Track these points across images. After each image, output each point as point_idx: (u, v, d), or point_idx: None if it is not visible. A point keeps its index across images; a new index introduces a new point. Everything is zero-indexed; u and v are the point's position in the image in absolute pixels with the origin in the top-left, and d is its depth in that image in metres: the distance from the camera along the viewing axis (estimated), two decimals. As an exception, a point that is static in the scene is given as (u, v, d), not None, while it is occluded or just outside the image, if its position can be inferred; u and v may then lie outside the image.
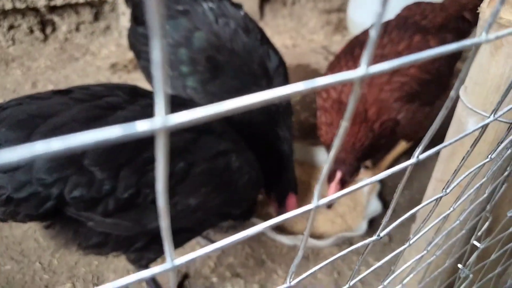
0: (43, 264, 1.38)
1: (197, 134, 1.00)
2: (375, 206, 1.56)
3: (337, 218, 1.58)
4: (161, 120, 0.18)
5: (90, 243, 0.99)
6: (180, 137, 0.96)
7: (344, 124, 0.24)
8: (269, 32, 3.08)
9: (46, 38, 2.45)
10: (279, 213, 1.46)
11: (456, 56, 1.56)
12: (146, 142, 0.88)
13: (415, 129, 1.50)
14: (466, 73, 0.29)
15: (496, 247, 0.78)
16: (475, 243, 0.74)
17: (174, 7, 1.46)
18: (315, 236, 1.47)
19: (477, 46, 0.29)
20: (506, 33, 0.31)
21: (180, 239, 1.16)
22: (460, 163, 0.40)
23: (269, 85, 1.45)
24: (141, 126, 0.18)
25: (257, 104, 0.20)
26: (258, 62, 1.44)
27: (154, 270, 0.24)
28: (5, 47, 2.38)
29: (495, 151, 0.43)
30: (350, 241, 1.50)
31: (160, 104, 0.18)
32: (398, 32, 1.45)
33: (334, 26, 3.15)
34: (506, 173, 0.59)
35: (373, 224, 1.52)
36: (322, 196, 0.29)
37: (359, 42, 1.57)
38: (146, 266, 1.18)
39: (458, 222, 0.51)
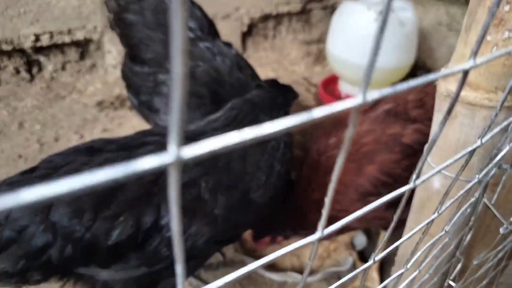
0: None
1: (157, 174, 0.96)
2: (360, 240, 1.61)
3: (324, 253, 1.62)
4: (174, 153, 0.18)
5: None
6: (140, 183, 0.95)
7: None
8: (252, 65, 3.17)
9: (32, 78, 2.48)
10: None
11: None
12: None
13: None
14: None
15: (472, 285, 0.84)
16: (451, 282, 0.79)
17: None
18: (303, 272, 1.51)
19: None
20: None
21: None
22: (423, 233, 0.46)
23: None
24: (155, 161, 0.18)
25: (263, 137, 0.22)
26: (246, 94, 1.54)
27: None
28: (-9, 88, 2.40)
29: (449, 224, 0.49)
30: (338, 275, 1.54)
31: (173, 136, 0.18)
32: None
33: (314, 56, 3.25)
34: (470, 224, 0.65)
35: (360, 257, 1.57)
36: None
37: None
38: None
39: (427, 275, 0.57)
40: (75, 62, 2.58)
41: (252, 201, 1.10)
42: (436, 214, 0.56)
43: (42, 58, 2.48)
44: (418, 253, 0.46)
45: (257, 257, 1.55)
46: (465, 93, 0.63)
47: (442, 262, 0.69)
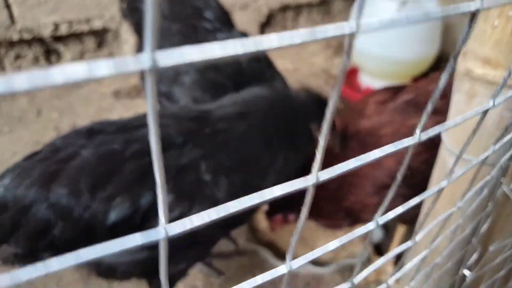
0: (48, 293, 1.40)
1: None
2: (377, 232, 1.58)
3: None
4: (149, 58, 0.18)
5: (103, 273, 1.02)
6: (138, 164, 0.94)
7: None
8: (270, 56, 3.14)
9: (51, 66, 2.51)
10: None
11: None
12: None
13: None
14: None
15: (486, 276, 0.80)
16: (465, 271, 0.76)
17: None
18: (317, 262, 1.48)
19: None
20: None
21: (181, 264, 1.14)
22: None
23: None
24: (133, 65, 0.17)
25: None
26: (267, 84, 1.53)
27: None
28: (11, 76, 2.43)
29: (462, 198, 0.46)
30: (352, 268, 1.52)
31: (148, 41, 0.17)
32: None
33: (334, 49, 3.20)
34: (488, 209, 0.62)
35: (376, 250, 1.54)
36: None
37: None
38: None
39: (440, 259, 0.54)
40: (93, 51, 2.59)
41: (256, 185, 1.06)
42: (446, 182, 0.53)
43: (61, 47, 2.50)
44: (429, 227, 0.43)
45: (270, 246, 1.53)
46: (484, 71, 0.59)
47: (456, 246, 0.66)
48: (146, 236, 0.20)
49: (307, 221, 1.57)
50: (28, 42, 2.39)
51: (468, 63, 0.62)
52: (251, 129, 1.08)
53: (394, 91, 1.47)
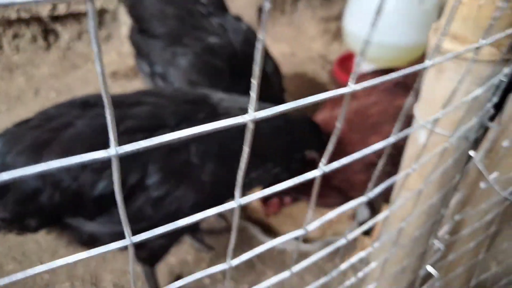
0: (43, 264, 1.44)
1: (148, 133, 0.98)
2: (363, 212, 1.62)
3: (325, 223, 1.63)
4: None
5: (84, 241, 1.04)
6: (130, 140, 0.95)
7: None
8: (268, 40, 3.15)
9: (49, 46, 2.52)
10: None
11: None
12: None
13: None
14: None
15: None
16: (435, 241, 0.80)
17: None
18: (304, 240, 1.52)
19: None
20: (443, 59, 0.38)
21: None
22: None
23: (268, 85, 1.63)
24: None
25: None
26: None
27: (110, 246, 0.30)
28: (9, 55, 2.45)
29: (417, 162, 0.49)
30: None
31: None
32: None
33: (332, 34, 3.21)
34: (455, 179, 0.65)
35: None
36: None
37: None
38: (151, 265, 1.24)
39: (405, 224, 0.57)
40: (91, 32, 2.61)
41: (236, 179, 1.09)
42: (416, 165, 0.56)
43: (59, 27, 2.52)
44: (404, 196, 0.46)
45: (259, 223, 1.57)
46: (452, 46, 0.62)
47: (424, 214, 0.69)
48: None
49: (299, 201, 1.61)
50: (26, 21, 2.41)
51: (438, 38, 0.64)
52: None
53: (384, 73, 1.50)
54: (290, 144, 1.26)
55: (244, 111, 1.11)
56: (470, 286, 1.01)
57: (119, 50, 2.66)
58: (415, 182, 0.70)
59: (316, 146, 1.33)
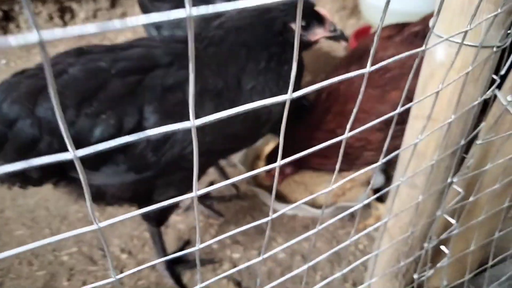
0: (52, 230, 1.44)
1: (141, 74, 0.95)
2: (378, 179, 1.56)
3: (339, 191, 1.59)
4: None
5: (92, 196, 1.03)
6: (123, 82, 0.93)
7: None
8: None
9: (65, 24, 2.54)
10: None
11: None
12: None
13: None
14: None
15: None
16: (454, 179, 0.74)
17: None
18: (315, 206, 1.48)
19: None
20: None
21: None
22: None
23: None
24: None
25: None
26: None
27: (80, 230, 0.31)
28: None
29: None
30: (351, 212, 1.51)
31: None
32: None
33: (349, 10, 3.13)
34: (475, 110, 0.60)
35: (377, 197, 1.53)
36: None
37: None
38: (157, 225, 1.22)
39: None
40: (106, 10, 2.61)
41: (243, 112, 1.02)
42: (440, 86, 0.51)
43: (74, 5, 2.53)
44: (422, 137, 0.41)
45: (269, 189, 1.53)
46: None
47: (444, 149, 0.64)
48: None
49: (309, 168, 1.57)
50: (43, 0, 2.42)
51: None
52: (237, 46, 1.05)
53: (401, 26, 1.43)
54: (267, 21, 1.10)
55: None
56: (494, 239, 0.94)
57: (134, 29, 2.65)
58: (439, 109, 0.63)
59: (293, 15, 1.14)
